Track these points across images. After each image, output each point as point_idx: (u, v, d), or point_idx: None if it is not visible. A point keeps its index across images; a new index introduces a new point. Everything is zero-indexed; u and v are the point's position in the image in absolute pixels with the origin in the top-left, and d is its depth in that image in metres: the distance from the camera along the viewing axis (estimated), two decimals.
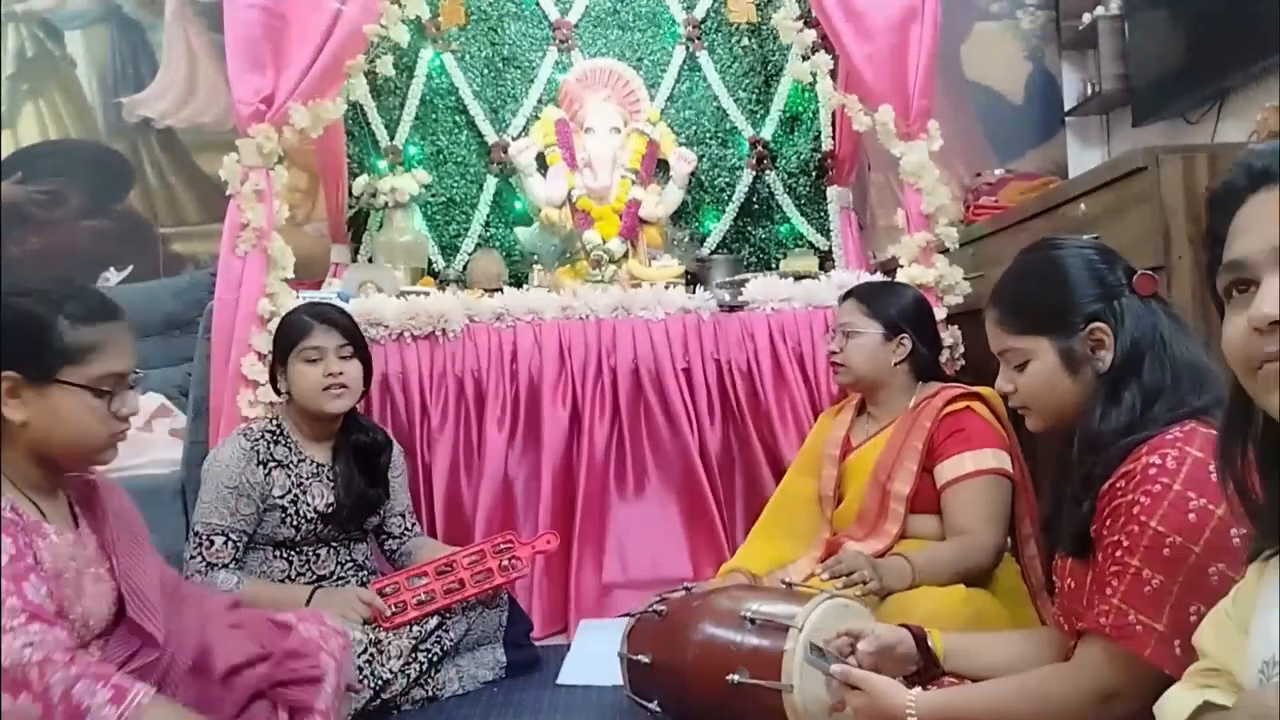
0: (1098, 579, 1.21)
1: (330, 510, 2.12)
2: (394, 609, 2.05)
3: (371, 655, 1.98)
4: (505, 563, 2.18)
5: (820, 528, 2.18)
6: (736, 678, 1.52)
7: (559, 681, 2.15)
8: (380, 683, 1.96)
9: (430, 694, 2.07)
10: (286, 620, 1.55)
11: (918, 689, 1.30)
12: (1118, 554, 1.17)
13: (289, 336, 2.13)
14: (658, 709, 1.71)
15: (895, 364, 2.12)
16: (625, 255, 3.17)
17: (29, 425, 1.25)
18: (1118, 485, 1.19)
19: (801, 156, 3.50)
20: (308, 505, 2.10)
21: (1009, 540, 1.98)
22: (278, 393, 2.17)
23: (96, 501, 1.40)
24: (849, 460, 2.17)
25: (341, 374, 2.10)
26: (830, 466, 2.20)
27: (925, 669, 1.41)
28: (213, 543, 2.01)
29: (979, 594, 1.79)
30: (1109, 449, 1.22)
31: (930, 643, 1.41)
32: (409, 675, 2.02)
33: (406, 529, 2.32)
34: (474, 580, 2.14)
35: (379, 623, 2.01)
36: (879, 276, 2.84)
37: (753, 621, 1.58)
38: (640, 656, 1.74)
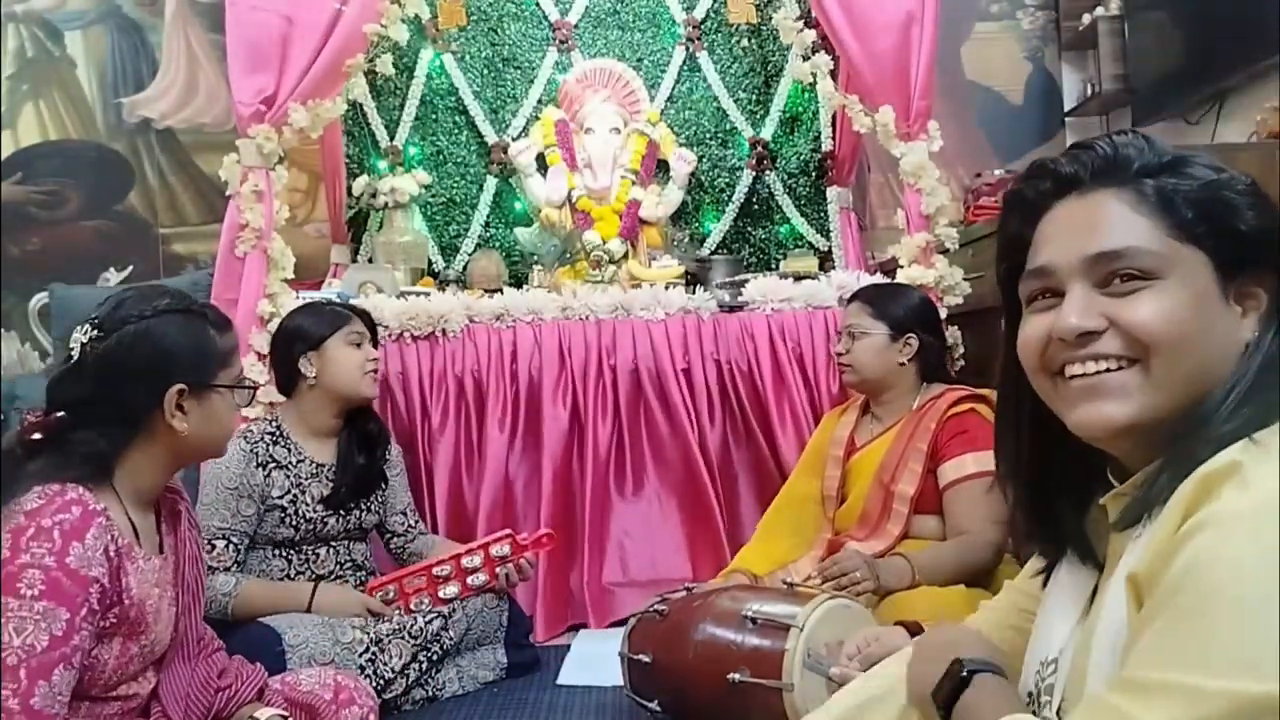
0: None
1: (330, 493, 2.12)
2: (396, 610, 2.09)
3: (372, 655, 1.98)
4: (504, 571, 2.17)
5: (823, 527, 2.18)
6: (737, 677, 1.52)
7: (559, 682, 2.15)
8: (381, 683, 1.95)
9: (430, 694, 2.07)
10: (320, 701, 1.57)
11: None
12: None
13: (330, 322, 2.16)
14: (658, 709, 1.71)
15: (901, 364, 2.12)
16: (625, 255, 3.17)
17: (187, 432, 1.32)
18: None
19: (801, 157, 3.50)
20: (307, 505, 2.10)
21: (1010, 541, 1.98)
22: (290, 386, 2.16)
23: (180, 524, 1.43)
24: (853, 460, 2.17)
25: (378, 360, 2.20)
26: (834, 467, 2.20)
27: None
28: (214, 546, 2.01)
29: (979, 594, 1.79)
30: None
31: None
32: (409, 676, 2.02)
33: (410, 526, 2.32)
34: (472, 588, 2.15)
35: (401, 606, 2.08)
36: (879, 277, 2.84)
37: (754, 621, 1.58)
38: (641, 656, 1.74)
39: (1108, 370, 0.77)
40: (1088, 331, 0.77)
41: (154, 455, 1.32)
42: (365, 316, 2.24)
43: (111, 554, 1.21)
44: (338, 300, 2.30)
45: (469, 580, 2.15)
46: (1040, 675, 0.80)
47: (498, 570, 2.17)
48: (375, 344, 2.25)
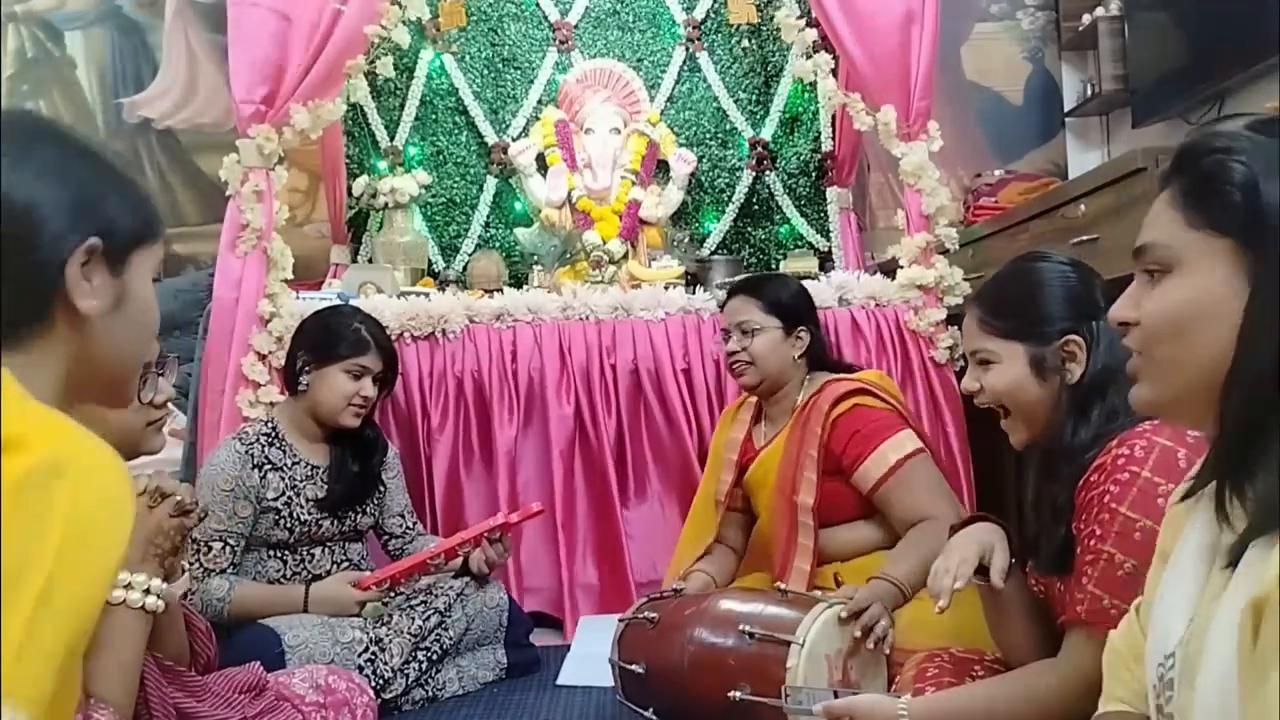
0: (1075, 572, 1.23)
1: (324, 496, 2.12)
2: (390, 597, 2.10)
3: (372, 654, 1.98)
4: (498, 539, 2.20)
5: (711, 531, 2.15)
6: (738, 694, 1.51)
7: (559, 682, 2.16)
8: (380, 682, 1.96)
9: (430, 694, 2.07)
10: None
11: (907, 695, 1.29)
12: (1092, 543, 1.19)
13: (342, 345, 2.11)
14: (653, 717, 1.70)
15: (797, 358, 2.07)
16: (625, 256, 3.17)
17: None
18: (1092, 479, 1.22)
19: (801, 157, 3.51)
20: (301, 507, 2.09)
21: (965, 509, 1.98)
22: (293, 386, 2.15)
23: None
24: (754, 464, 2.12)
25: (370, 398, 2.13)
26: (727, 471, 2.15)
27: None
28: (210, 549, 2.00)
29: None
30: (1077, 461, 1.25)
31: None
32: (409, 675, 2.02)
33: (408, 528, 2.32)
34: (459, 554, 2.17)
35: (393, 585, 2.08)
36: (879, 278, 2.84)
37: (751, 635, 1.56)
38: (634, 666, 1.72)
39: (1134, 355, 0.82)
40: (1123, 321, 0.83)
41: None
42: (385, 351, 2.17)
43: None
44: (364, 316, 2.22)
45: (458, 549, 2.15)
46: (1162, 669, 0.78)
47: (485, 538, 2.17)
48: (389, 383, 2.20)
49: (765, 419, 2.16)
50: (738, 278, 2.57)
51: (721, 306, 2.21)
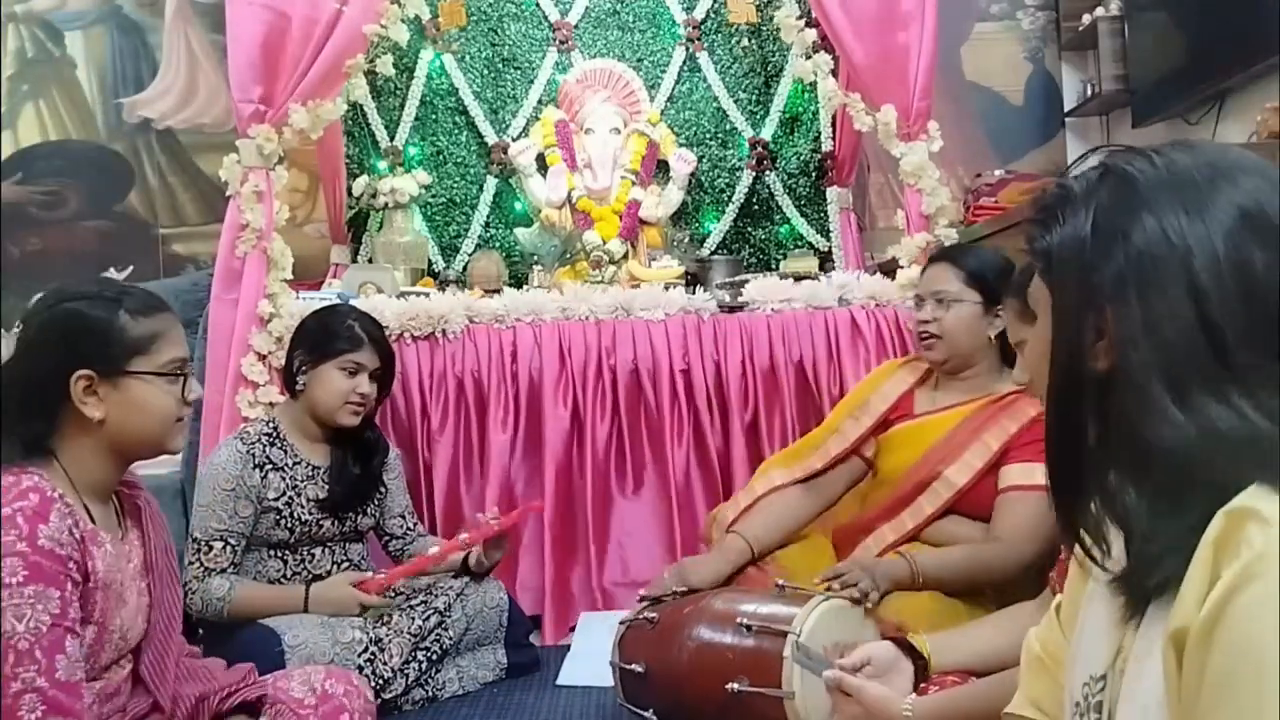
0: None
1: (325, 497, 2.12)
2: (391, 597, 2.11)
3: (372, 654, 1.98)
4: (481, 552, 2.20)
5: (814, 460, 2.05)
6: (736, 686, 1.51)
7: (559, 682, 2.16)
8: (380, 682, 1.96)
9: (430, 694, 2.07)
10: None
11: (912, 695, 1.29)
12: None
13: (337, 342, 2.11)
14: (653, 718, 1.70)
15: (992, 339, 1.90)
16: (625, 256, 3.17)
17: (106, 420, 1.29)
18: None
19: (801, 157, 3.50)
20: (302, 507, 2.09)
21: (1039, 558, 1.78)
22: (291, 387, 2.15)
23: (145, 520, 1.42)
24: (903, 426, 1.99)
25: (367, 395, 2.12)
26: (869, 417, 2.03)
27: (919, 672, 1.41)
28: (211, 548, 2.00)
29: (951, 603, 1.73)
30: None
31: (915, 645, 1.41)
32: (409, 675, 2.02)
33: (409, 529, 2.32)
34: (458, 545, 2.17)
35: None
36: (878, 277, 2.84)
37: (749, 628, 1.56)
38: (634, 666, 1.72)
39: None
40: None
41: (89, 446, 1.29)
42: (382, 348, 2.16)
43: (76, 535, 1.22)
44: (360, 314, 2.21)
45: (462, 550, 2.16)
46: (1089, 689, 0.78)
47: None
48: (386, 381, 2.18)
49: (940, 387, 2.00)
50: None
51: (922, 272, 2.06)
